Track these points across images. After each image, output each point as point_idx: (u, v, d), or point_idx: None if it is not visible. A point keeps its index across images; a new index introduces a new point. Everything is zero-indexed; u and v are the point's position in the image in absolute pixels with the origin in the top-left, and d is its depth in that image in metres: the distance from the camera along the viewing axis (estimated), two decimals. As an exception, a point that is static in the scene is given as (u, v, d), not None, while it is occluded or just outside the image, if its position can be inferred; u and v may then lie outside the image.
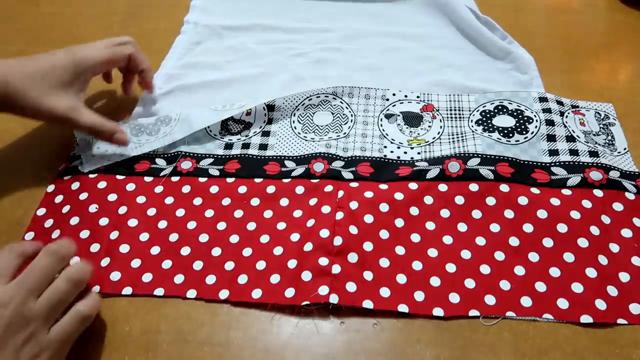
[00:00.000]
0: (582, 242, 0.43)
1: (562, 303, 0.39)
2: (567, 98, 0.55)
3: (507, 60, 0.61)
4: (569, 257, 0.42)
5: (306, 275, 0.41)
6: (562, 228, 0.44)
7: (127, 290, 0.42)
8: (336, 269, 0.41)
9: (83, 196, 0.49)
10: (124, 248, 0.45)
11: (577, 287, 0.40)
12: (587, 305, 0.39)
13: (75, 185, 0.50)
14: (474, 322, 0.39)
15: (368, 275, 0.42)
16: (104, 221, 0.46)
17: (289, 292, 0.41)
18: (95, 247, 0.45)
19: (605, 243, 0.43)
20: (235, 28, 0.69)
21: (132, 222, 0.46)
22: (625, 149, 0.50)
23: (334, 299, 0.40)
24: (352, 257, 0.42)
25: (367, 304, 0.40)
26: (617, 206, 0.45)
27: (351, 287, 0.41)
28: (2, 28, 0.73)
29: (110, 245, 0.45)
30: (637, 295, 0.39)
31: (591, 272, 0.41)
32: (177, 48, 0.66)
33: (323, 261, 0.42)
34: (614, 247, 0.42)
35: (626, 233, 0.43)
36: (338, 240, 0.43)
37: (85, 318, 0.37)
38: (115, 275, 0.43)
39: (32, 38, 0.71)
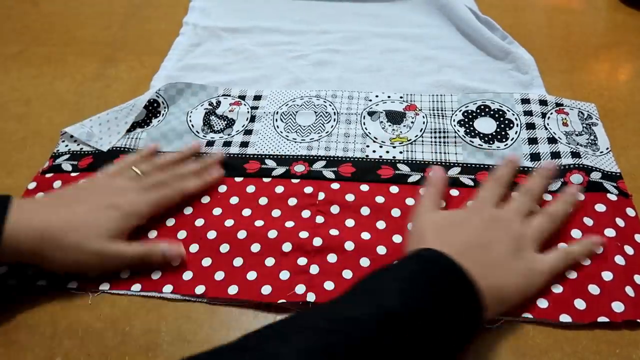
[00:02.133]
0: (563, 245, 0.43)
1: (542, 303, 0.40)
2: (552, 96, 0.55)
3: (507, 60, 0.61)
4: None
5: (284, 275, 0.42)
6: None
7: (105, 286, 0.42)
8: (314, 269, 0.42)
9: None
10: None
11: (556, 288, 0.40)
12: (567, 305, 0.39)
13: (57, 184, 0.50)
14: (474, 322, 0.39)
15: (347, 274, 0.42)
16: None
17: (266, 290, 0.41)
18: None
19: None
20: (234, 30, 0.69)
21: None
22: (607, 148, 0.50)
23: (311, 297, 0.40)
24: (332, 257, 0.43)
25: None
26: (600, 207, 0.45)
27: (329, 285, 0.41)
28: (2, 28, 0.73)
29: None
30: (620, 294, 0.39)
31: (571, 274, 0.41)
32: (176, 50, 0.66)
33: (301, 261, 0.42)
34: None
35: (609, 232, 0.43)
36: (318, 241, 0.44)
37: None
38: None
39: (32, 38, 0.71)
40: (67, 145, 0.54)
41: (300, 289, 0.41)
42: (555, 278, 0.41)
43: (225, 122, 0.56)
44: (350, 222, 0.45)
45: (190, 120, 0.56)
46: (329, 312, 0.32)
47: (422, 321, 0.31)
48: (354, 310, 0.31)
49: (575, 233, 0.44)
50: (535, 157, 0.50)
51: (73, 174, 0.51)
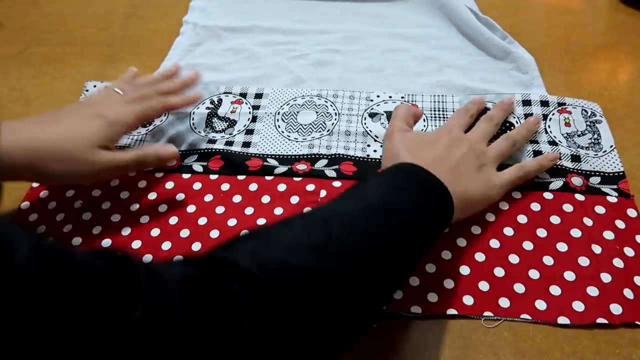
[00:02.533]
0: (562, 246, 0.43)
1: (540, 304, 0.40)
2: (554, 96, 0.55)
3: (507, 60, 0.61)
4: (548, 260, 0.42)
5: None
6: (541, 232, 0.44)
7: None
8: None
9: (69, 193, 0.50)
10: (106, 243, 0.46)
11: (554, 290, 0.40)
12: (565, 308, 0.39)
13: None
14: (474, 322, 0.39)
15: None
16: (87, 215, 0.48)
17: None
18: (77, 241, 0.46)
19: (587, 245, 0.43)
20: (234, 29, 0.69)
21: (115, 217, 0.47)
22: (611, 146, 0.50)
23: None
24: None
25: None
26: (599, 209, 0.45)
27: None
28: (2, 28, 0.73)
29: (93, 240, 0.46)
30: (618, 296, 0.39)
31: (569, 275, 0.41)
32: (176, 49, 0.66)
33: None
34: (596, 249, 0.42)
35: (608, 235, 0.43)
36: None
37: None
38: None
39: (32, 38, 0.71)
40: None
41: None
42: (553, 280, 0.41)
43: (227, 123, 0.56)
44: None
45: (193, 120, 0.56)
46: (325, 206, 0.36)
47: (402, 213, 0.36)
48: (345, 205, 0.36)
49: (575, 232, 0.44)
50: (537, 154, 0.49)
51: None
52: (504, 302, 0.40)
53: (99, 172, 0.43)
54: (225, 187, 0.49)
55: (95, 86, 0.61)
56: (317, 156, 0.51)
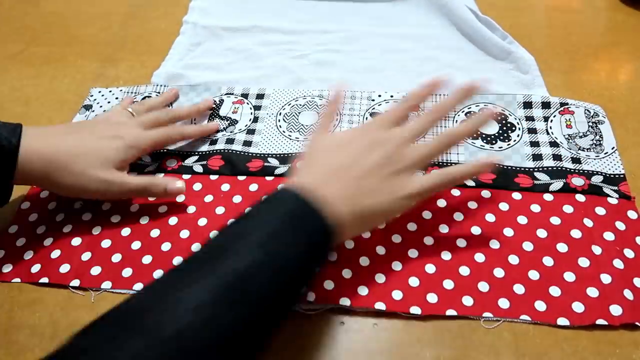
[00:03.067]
0: (562, 247, 0.43)
1: (540, 305, 0.40)
2: (556, 97, 0.55)
3: (508, 60, 0.61)
4: (548, 261, 0.42)
5: None
6: (541, 233, 0.44)
7: (107, 285, 0.43)
8: None
9: None
10: (106, 243, 0.45)
11: (554, 291, 0.40)
12: (565, 309, 0.39)
13: None
14: (474, 322, 0.39)
15: (347, 273, 0.42)
16: (87, 216, 0.48)
17: None
18: (76, 241, 0.46)
19: (587, 246, 0.43)
20: (235, 29, 0.69)
21: (115, 218, 0.47)
22: (613, 148, 0.50)
23: (311, 297, 0.40)
24: (332, 256, 0.43)
25: (344, 301, 0.40)
26: (600, 210, 0.45)
27: (329, 285, 0.41)
28: (2, 28, 0.73)
29: (93, 240, 0.46)
30: (618, 297, 0.39)
31: (569, 276, 0.41)
32: (177, 49, 0.66)
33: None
34: (596, 250, 0.42)
35: (608, 236, 0.43)
36: None
37: None
38: (96, 270, 0.44)
39: (32, 38, 0.71)
40: None
41: None
42: (553, 280, 0.41)
43: (228, 122, 0.56)
44: None
45: (194, 120, 0.56)
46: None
47: (282, 262, 0.33)
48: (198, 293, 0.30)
49: (575, 233, 0.44)
50: (537, 157, 0.50)
51: None
52: (504, 303, 0.40)
53: (105, 190, 0.44)
54: (225, 187, 0.49)
55: (100, 92, 0.60)
56: None
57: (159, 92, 0.59)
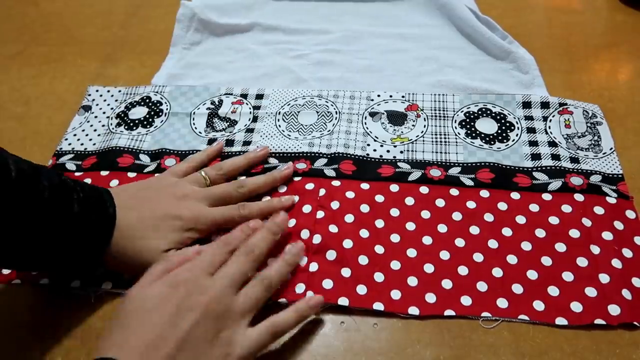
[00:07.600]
0: (560, 247, 0.43)
1: (538, 305, 0.40)
2: (556, 97, 0.55)
3: (508, 60, 0.61)
4: (546, 260, 0.42)
5: None
6: (540, 233, 0.44)
7: (107, 285, 0.42)
8: (313, 266, 0.42)
9: None
10: None
11: (553, 291, 0.40)
12: (563, 308, 0.39)
13: None
14: (474, 322, 0.39)
15: (346, 272, 0.42)
16: None
17: None
18: None
19: (585, 245, 0.43)
20: (235, 29, 0.69)
21: None
22: (611, 149, 0.50)
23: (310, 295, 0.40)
24: (331, 255, 0.43)
25: (343, 301, 0.40)
26: (598, 210, 0.45)
27: (327, 284, 0.41)
28: (2, 28, 0.73)
29: None
30: (616, 297, 0.39)
31: (568, 276, 0.41)
32: (177, 47, 0.67)
33: (302, 261, 0.42)
34: (595, 249, 0.42)
35: (607, 236, 0.43)
36: (317, 239, 0.44)
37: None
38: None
39: (32, 38, 0.71)
40: (70, 144, 0.55)
41: (300, 287, 0.41)
42: (552, 280, 0.41)
43: (228, 123, 0.56)
44: (349, 218, 0.45)
45: (194, 121, 0.56)
46: None
47: None
48: None
49: (574, 233, 0.44)
50: (536, 157, 0.50)
51: (77, 174, 0.51)
52: (502, 303, 0.40)
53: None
54: None
55: (97, 91, 0.60)
56: (316, 155, 0.51)
57: (158, 92, 0.59)
